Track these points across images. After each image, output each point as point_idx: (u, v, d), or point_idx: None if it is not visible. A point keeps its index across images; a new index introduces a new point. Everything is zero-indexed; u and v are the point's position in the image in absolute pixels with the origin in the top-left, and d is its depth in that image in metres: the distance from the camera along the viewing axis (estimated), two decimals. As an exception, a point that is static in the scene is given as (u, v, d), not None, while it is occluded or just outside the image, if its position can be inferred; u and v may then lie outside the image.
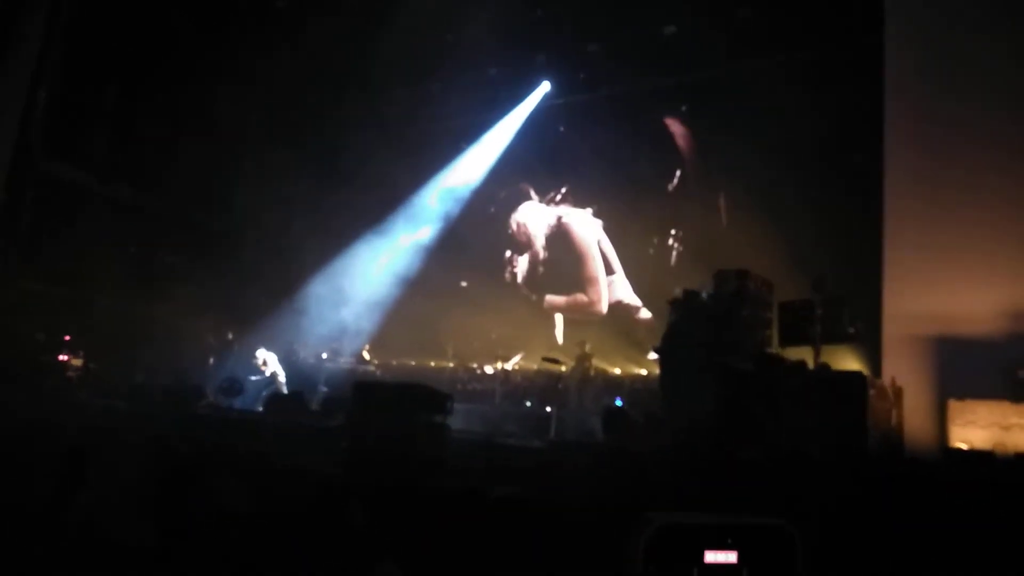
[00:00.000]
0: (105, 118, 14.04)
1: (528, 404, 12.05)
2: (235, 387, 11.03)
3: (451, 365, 13.85)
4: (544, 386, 12.12)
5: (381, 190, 14.51)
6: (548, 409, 10.39)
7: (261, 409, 10.67)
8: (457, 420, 7.72)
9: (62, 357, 9.91)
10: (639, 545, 1.34)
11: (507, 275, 15.01)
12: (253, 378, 11.87)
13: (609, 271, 13.90)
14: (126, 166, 13.67)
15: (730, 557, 1.39)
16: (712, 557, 1.38)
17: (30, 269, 11.83)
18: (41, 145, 13.05)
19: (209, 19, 13.49)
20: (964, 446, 6.99)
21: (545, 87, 14.25)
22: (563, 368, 11.56)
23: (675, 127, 13.46)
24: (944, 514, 4.55)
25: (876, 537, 4.44)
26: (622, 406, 10.26)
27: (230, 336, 12.90)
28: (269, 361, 12.32)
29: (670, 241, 13.22)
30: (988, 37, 8.30)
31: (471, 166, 15.14)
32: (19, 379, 9.30)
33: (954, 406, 7.33)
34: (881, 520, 4.60)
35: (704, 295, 8.37)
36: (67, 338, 10.33)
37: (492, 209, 15.09)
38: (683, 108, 13.31)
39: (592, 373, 12.22)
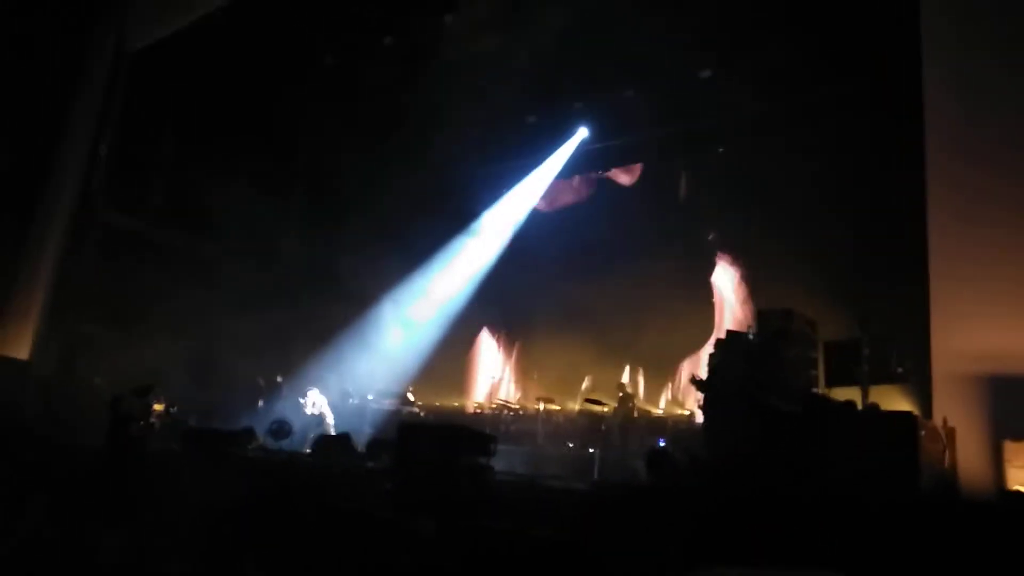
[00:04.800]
0: (161, 168, 14.75)
1: (570, 445, 12.00)
2: (284, 429, 11.24)
3: (493, 406, 13.89)
4: (586, 427, 12.07)
5: (422, 235, 14.82)
6: (591, 450, 10.34)
7: (309, 451, 10.86)
8: (500, 461, 7.79)
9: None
10: None
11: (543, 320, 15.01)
12: (300, 420, 12.09)
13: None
14: (180, 214, 14.27)
15: None
16: None
17: (91, 313, 12.30)
18: (102, 196, 13.73)
19: (258, 71, 14.02)
20: (1022, 488, 6.76)
21: (583, 133, 14.44)
22: (605, 409, 11.52)
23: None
24: (1001, 558, 4.44)
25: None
26: (665, 447, 10.17)
27: (279, 379, 13.16)
28: (318, 402, 12.54)
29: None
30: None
31: (510, 211, 15.38)
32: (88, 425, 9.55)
33: (1010, 447, 7.07)
34: (936, 564, 4.51)
35: (749, 335, 8.33)
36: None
37: (530, 250, 15.18)
38: (720, 150, 13.39)
39: (635, 414, 12.14)
